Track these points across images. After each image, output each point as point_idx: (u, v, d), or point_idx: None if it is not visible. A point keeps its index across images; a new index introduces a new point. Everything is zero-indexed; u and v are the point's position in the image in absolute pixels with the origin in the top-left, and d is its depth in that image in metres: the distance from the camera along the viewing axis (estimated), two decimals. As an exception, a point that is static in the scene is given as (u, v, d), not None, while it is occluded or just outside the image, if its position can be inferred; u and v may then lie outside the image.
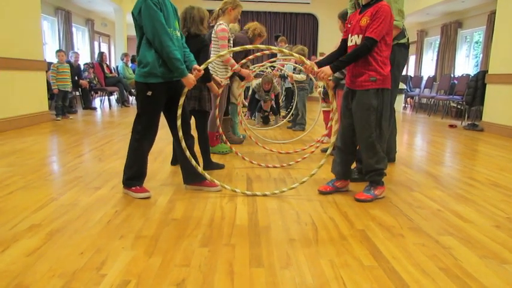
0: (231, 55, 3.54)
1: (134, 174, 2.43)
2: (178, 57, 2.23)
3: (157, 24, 2.18)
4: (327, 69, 2.35)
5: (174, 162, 3.21)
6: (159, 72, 2.28)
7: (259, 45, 2.76)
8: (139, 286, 1.40)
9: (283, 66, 5.75)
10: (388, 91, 2.44)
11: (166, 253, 1.66)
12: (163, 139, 3.90)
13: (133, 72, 9.19)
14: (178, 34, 2.41)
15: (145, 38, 2.27)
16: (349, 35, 2.43)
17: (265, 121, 6.14)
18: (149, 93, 2.31)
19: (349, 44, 2.42)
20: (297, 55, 2.43)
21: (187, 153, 2.46)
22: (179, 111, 2.40)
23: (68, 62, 6.46)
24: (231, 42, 3.66)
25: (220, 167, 3.15)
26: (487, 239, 1.90)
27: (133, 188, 2.42)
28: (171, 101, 2.43)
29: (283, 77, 6.31)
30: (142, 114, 2.39)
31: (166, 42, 2.19)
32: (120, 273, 1.48)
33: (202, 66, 2.43)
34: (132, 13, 2.27)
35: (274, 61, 4.95)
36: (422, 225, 2.06)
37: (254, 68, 4.80)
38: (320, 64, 2.47)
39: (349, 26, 2.46)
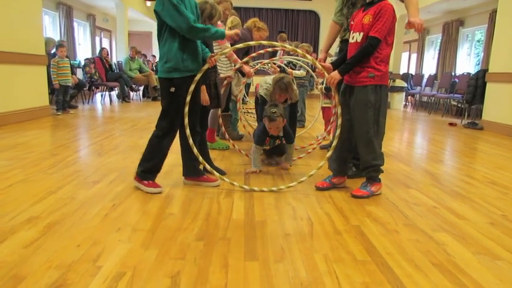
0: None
1: (151, 168, 2.44)
2: (211, 29, 2.28)
3: (182, 17, 2.17)
4: (335, 74, 2.37)
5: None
6: (182, 67, 2.30)
7: (262, 42, 2.74)
8: (134, 278, 1.41)
9: (282, 63, 5.74)
10: (386, 88, 2.46)
11: (162, 246, 1.67)
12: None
13: (137, 68, 9.17)
14: None
15: (168, 33, 2.27)
16: (351, 32, 2.44)
17: (269, 153, 3.29)
18: (172, 89, 2.32)
19: (351, 40, 2.43)
20: (300, 51, 2.46)
21: (195, 150, 2.47)
22: (186, 109, 2.39)
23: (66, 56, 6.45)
24: None
25: (221, 172, 2.84)
26: (481, 235, 1.92)
27: (146, 181, 2.42)
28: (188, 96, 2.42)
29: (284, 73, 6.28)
30: (168, 111, 2.37)
31: (198, 27, 2.20)
32: (116, 265, 1.50)
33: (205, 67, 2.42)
34: (155, 10, 2.26)
35: (274, 59, 4.97)
36: (417, 222, 2.07)
37: (256, 64, 4.81)
38: (336, 63, 2.50)
39: (352, 23, 2.47)
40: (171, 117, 2.38)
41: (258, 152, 3.00)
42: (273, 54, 7.03)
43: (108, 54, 9.01)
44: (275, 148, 3.16)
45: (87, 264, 1.50)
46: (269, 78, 3.50)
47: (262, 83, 3.57)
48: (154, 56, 12.71)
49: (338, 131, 2.48)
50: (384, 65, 2.38)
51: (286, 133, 3.07)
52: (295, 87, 3.43)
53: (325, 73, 2.44)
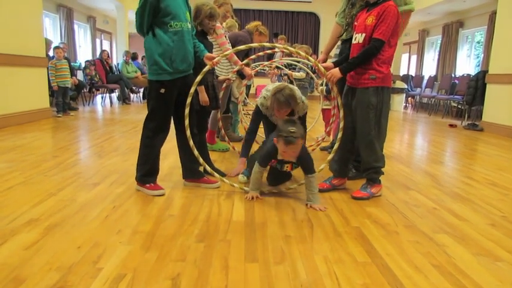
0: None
1: (148, 170, 2.43)
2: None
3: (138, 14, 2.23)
4: (335, 71, 2.36)
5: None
6: (171, 69, 2.28)
7: (265, 44, 2.74)
8: (134, 280, 1.41)
9: (282, 64, 5.74)
10: (389, 89, 2.45)
11: (163, 248, 1.67)
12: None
13: (134, 71, 9.18)
14: (189, 26, 2.37)
15: (151, 33, 2.26)
16: (354, 33, 2.44)
17: (275, 181, 2.66)
18: (162, 90, 2.30)
19: (353, 41, 2.43)
20: (302, 53, 2.46)
21: (195, 151, 2.46)
22: (186, 111, 2.38)
23: (66, 58, 6.46)
24: (227, 37, 3.67)
25: (221, 174, 2.80)
26: (481, 237, 1.92)
27: (148, 185, 2.42)
28: (181, 97, 2.41)
29: (285, 75, 6.28)
30: (156, 112, 2.37)
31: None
32: (117, 267, 1.50)
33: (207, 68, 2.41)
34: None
35: (274, 60, 4.97)
36: (417, 223, 2.07)
37: (256, 66, 4.81)
38: (338, 63, 2.49)
39: (355, 24, 2.47)
40: (160, 118, 2.38)
41: (260, 174, 2.39)
42: (270, 56, 7.01)
43: (108, 56, 9.03)
44: (282, 175, 2.60)
45: (87, 266, 1.50)
46: (271, 86, 2.90)
47: (263, 91, 2.92)
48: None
49: (340, 134, 2.48)
50: (386, 66, 2.37)
51: (303, 160, 2.27)
52: (302, 99, 2.75)
53: (320, 67, 2.42)
